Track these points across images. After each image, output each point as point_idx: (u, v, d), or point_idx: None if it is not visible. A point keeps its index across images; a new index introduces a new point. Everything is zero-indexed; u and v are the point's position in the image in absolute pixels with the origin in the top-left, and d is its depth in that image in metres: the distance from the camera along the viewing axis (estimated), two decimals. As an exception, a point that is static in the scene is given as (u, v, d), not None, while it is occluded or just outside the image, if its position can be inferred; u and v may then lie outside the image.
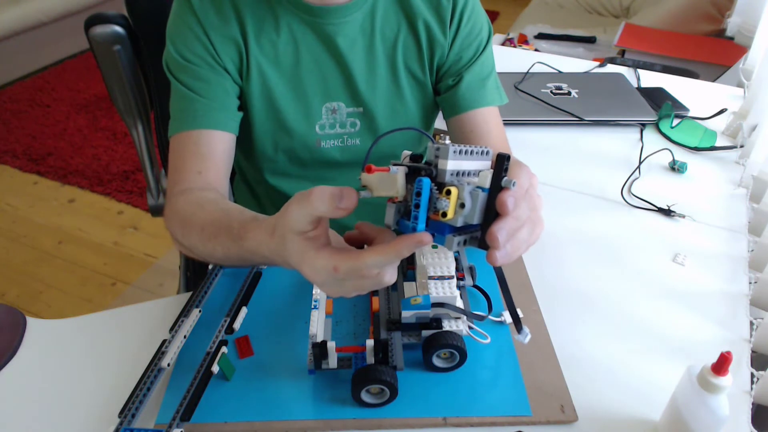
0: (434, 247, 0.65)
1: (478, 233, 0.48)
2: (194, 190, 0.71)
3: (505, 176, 0.47)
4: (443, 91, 0.83)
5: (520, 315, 0.68)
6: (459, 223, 0.46)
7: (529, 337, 0.54)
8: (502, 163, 0.47)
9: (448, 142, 0.48)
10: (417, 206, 0.46)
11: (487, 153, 0.50)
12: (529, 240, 0.50)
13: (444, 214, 0.46)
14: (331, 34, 0.77)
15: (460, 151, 0.48)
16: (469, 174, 0.49)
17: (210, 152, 0.74)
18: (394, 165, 0.48)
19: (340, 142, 0.83)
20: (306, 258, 0.48)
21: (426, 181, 0.46)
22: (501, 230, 0.46)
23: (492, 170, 0.47)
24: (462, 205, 0.46)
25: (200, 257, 0.67)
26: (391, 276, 0.49)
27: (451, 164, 0.47)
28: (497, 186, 0.47)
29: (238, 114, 0.78)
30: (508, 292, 0.53)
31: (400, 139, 0.85)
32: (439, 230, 0.48)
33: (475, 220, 0.47)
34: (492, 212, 0.46)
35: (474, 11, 0.82)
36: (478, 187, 0.47)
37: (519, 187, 0.47)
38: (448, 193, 0.46)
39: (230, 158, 0.77)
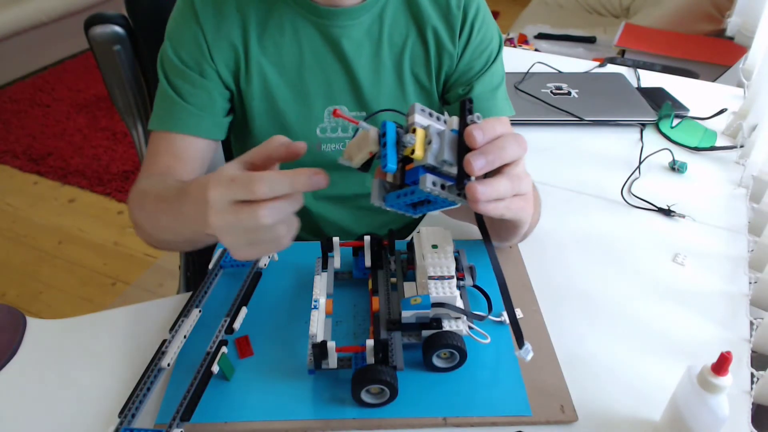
0: (434, 247, 0.65)
1: (455, 176, 0.48)
2: (160, 175, 0.73)
3: (471, 116, 0.47)
4: (453, 101, 0.83)
5: (520, 315, 0.69)
6: (430, 160, 0.46)
7: (531, 354, 0.51)
8: (465, 105, 0.48)
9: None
10: (384, 145, 0.47)
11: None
12: (514, 186, 0.49)
13: (413, 152, 0.46)
14: (337, 37, 0.76)
15: (430, 114, 0.49)
16: None
17: (183, 155, 0.75)
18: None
19: (341, 147, 0.82)
20: (218, 171, 0.50)
21: (389, 123, 0.48)
22: (475, 156, 0.45)
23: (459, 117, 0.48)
24: (430, 142, 0.47)
25: (150, 234, 0.69)
26: (272, 214, 0.47)
27: (418, 118, 0.48)
28: (465, 125, 0.47)
29: (221, 120, 0.78)
30: (512, 307, 0.51)
31: None
32: (414, 175, 0.47)
33: (446, 155, 0.46)
34: (465, 152, 0.46)
35: (485, 21, 0.81)
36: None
37: (486, 122, 0.47)
38: (415, 131, 0.47)
39: (203, 163, 0.78)
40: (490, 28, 0.82)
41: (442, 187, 0.47)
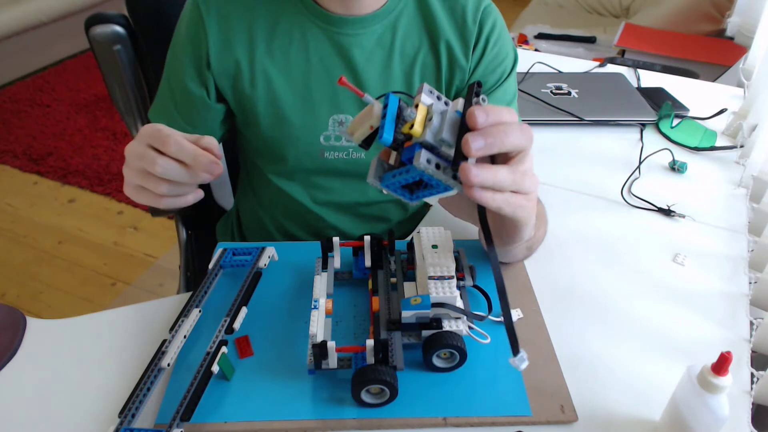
0: (434, 247, 0.65)
1: (452, 157, 0.46)
2: None
3: (476, 99, 0.46)
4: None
5: (520, 315, 0.69)
6: (428, 137, 0.45)
7: (526, 363, 0.47)
8: (473, 89, 0.47)
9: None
10: (384, 117, 0.46)
11: None
12: (516, 180, 0.47)
13: (411, 126, 0.45)
14: (347, 45, 0.76)
15: (438, 97, 0.48)
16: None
17: None
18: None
19: (345, 155, 0.81)
20: (164, 126, 0.57)
21: (392, 95, 0.47)
22: (474, 136, 0.44)
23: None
24: (431, 119, 0.46)
25: None
26: (165, 167, 0.54)
27: (425, 98, 0.47)
28: (470, 107, 0.46)
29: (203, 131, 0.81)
30: (509, 312, 0.49)
31: None
32: (410, 153, 0.46)
33: (445, 134, 0.45)
34: (465, 133, 0.45)
35: (500, 37, 0.80)
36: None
37: (492, 106, 0.46)
38: (417, 107, 0.46)
39: None
40: (506, 44, 0.81)
41: (437, 166, 0.45)
